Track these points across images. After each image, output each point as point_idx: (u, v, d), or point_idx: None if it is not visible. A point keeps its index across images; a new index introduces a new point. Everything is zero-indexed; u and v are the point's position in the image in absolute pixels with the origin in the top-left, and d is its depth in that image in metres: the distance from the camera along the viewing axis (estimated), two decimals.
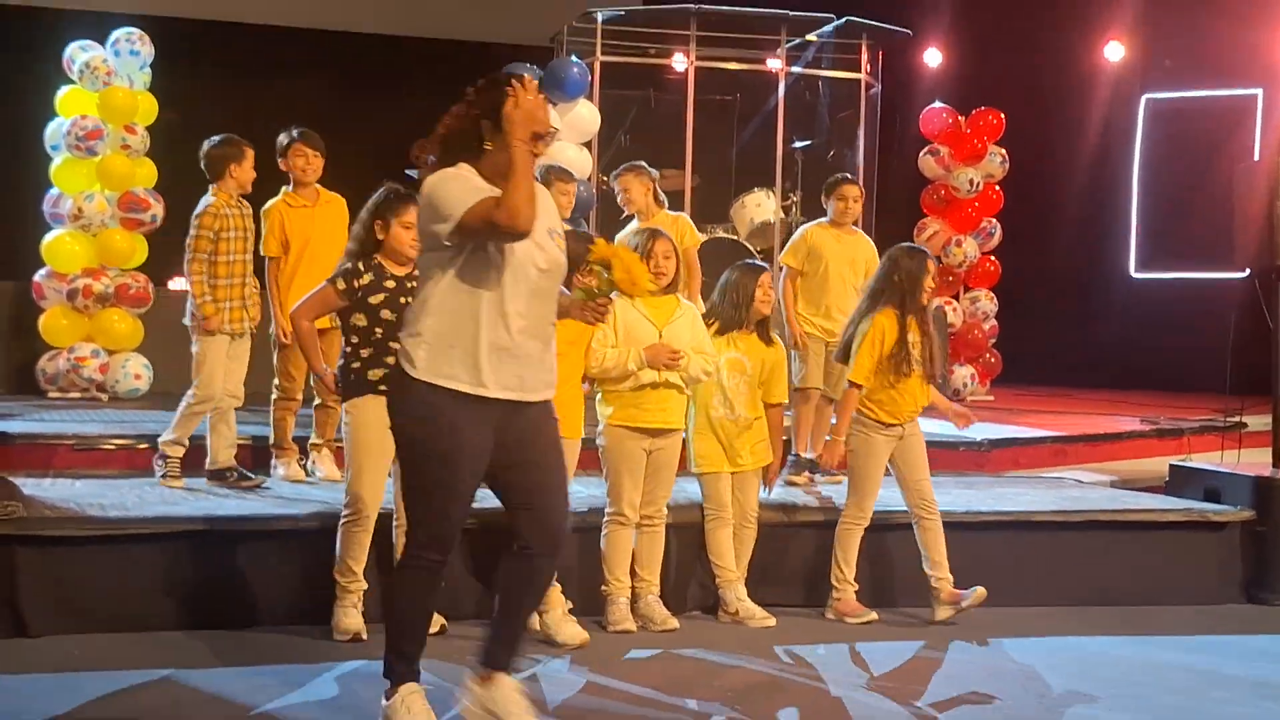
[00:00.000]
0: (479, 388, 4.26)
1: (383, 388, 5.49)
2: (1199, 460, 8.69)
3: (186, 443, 7.02)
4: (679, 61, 12.00)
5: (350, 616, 5.70)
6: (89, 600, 5.72)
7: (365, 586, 5.75)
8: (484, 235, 4.20)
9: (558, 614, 5.84)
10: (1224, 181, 11.41)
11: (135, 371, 9.91)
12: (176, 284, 11.58)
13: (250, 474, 7.06)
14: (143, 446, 7.47)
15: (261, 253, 7.29)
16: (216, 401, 6.97)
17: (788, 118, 11.71)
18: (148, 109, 10.12)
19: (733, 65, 12.05)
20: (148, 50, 10.11)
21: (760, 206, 11.42)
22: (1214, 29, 12.88)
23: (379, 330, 5.70)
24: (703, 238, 8.72)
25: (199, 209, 7.00)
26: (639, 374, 6.08)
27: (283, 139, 7.35)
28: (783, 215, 11.53)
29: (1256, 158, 12.24)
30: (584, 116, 10.41)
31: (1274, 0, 12.11)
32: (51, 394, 9.86)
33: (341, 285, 5.72)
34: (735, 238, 11.26)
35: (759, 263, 6.80)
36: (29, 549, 5.66)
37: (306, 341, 5.97)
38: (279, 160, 7.35)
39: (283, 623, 5.86)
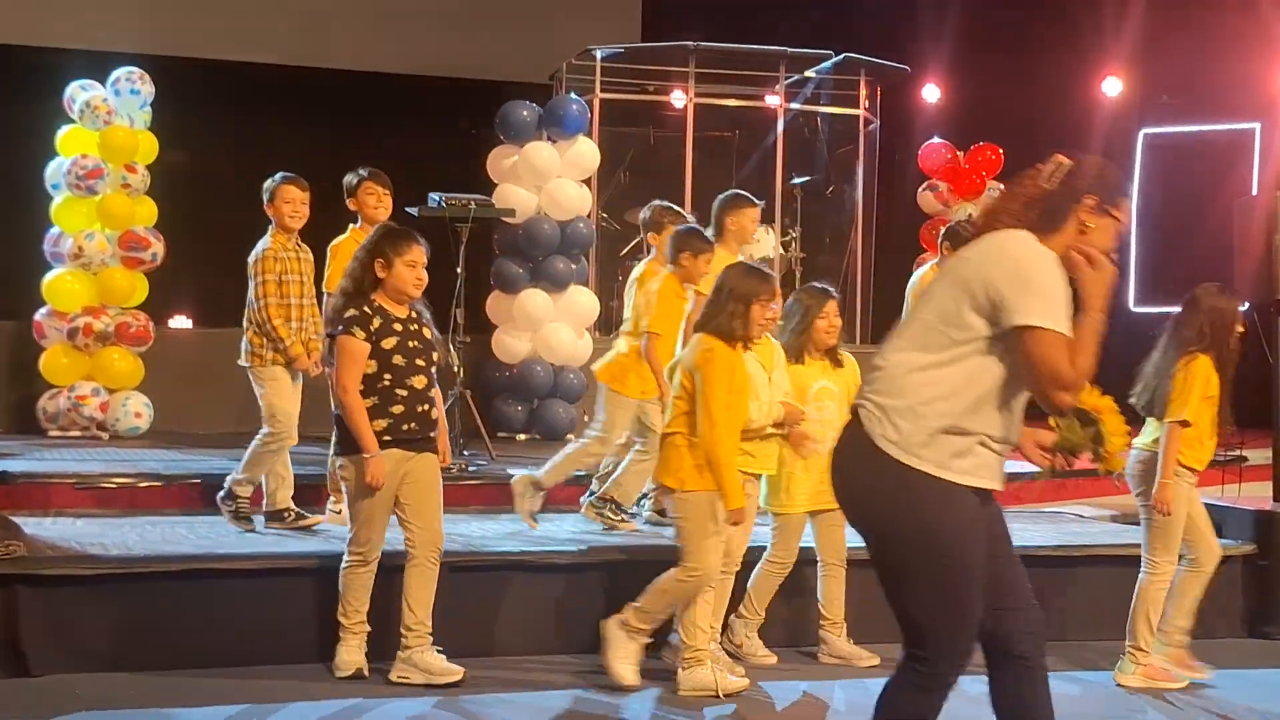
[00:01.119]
0: (994, 481, 3.74)
1: (387, 438, 5.51)
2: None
3: (257, 481, 6.98)
4: (678, 98, 12.08)
5: (353, 652, 5.69)
6: (91, 640, 5.72)
7: (369, 629, 5.74)
8: (1025, 362, 3.60)
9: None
10: (1222, 215, 11.47)
11: (136, 410, 9.93)
12: (177, 322, 11.62)
13: (307, 513, 7.02)
14: (144, 485, 7.49)
15: (326, 289, 7.11)
16: (291, 439, 6.93)
17: (787, 154, 11.78)
18: (148, 148, 10.17)
19: (732, 102, 12.13)
20: (148, 89, 10.17)
21: (759, 242, 11.45)
22: (1211, 64, 12.95)
23: (388, 377, 5.52)
24: None
25: (257, 253, 6.94)
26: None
27: (351, 179, 7.26)
28: (782, 251, 11.58)
29: (1254, 192, 12.29)
30: (584, 154, 10.47)
31: (1271, 35, 12.17)
32: (52, 433, 9.87)
33: (361, 334, 5.48)
34: None
35: (825, 287, 6.49)
36: (30, 588, 5.66)
37: (359, 419, 5.49)
38: (347, 199, 7.26)
39: (287, 661, 5.87)
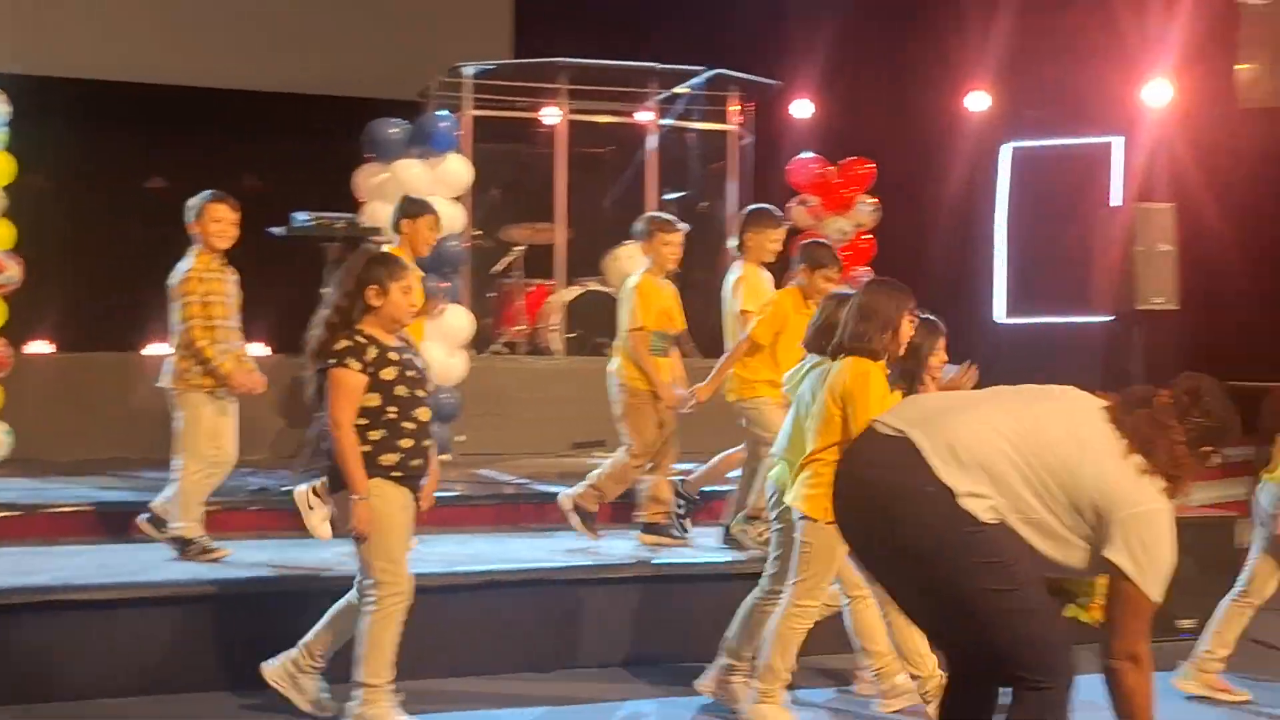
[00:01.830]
0: None
1: (396, 474, 5.28)
2: None
3: (201, 516, 6.79)
4: (551, 115, 12.08)
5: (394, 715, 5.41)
6: None
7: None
8: (1118, 609, 3.91)
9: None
10: (1086, 227, 11.74)
11: None
12: (37, 346, 11.38)
13: (215, 545, 6.81)
14: (2, 515, 7.32)
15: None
16: (225, 466, 6.81)
17: (660, 170, 11.82)
18: (6, 169, 9.95)
19: (604, 118, 12.15)
20: (5, 109, 9.95)
21: (634, 259, 11.48)
22: (1073, 79, 13.23)
23: (393, 410, 5.28)
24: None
25: (181, 273, 6.76)
26: None
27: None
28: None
29: (1115, 204, 12.56)
30: (455, 171, 10.42)
31: (1130, 50, 12.46)
32: None
33: (356, 365, 5.23)
34: (610, 291, 11.32)
35: (935, 321, 6.21)
36: None
37: (353, 459, 5.23)
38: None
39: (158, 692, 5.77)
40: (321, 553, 6.81)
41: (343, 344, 5.27)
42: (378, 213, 10.10)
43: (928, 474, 3.87)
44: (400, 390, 5.30)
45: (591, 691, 6.28)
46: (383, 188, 10.12)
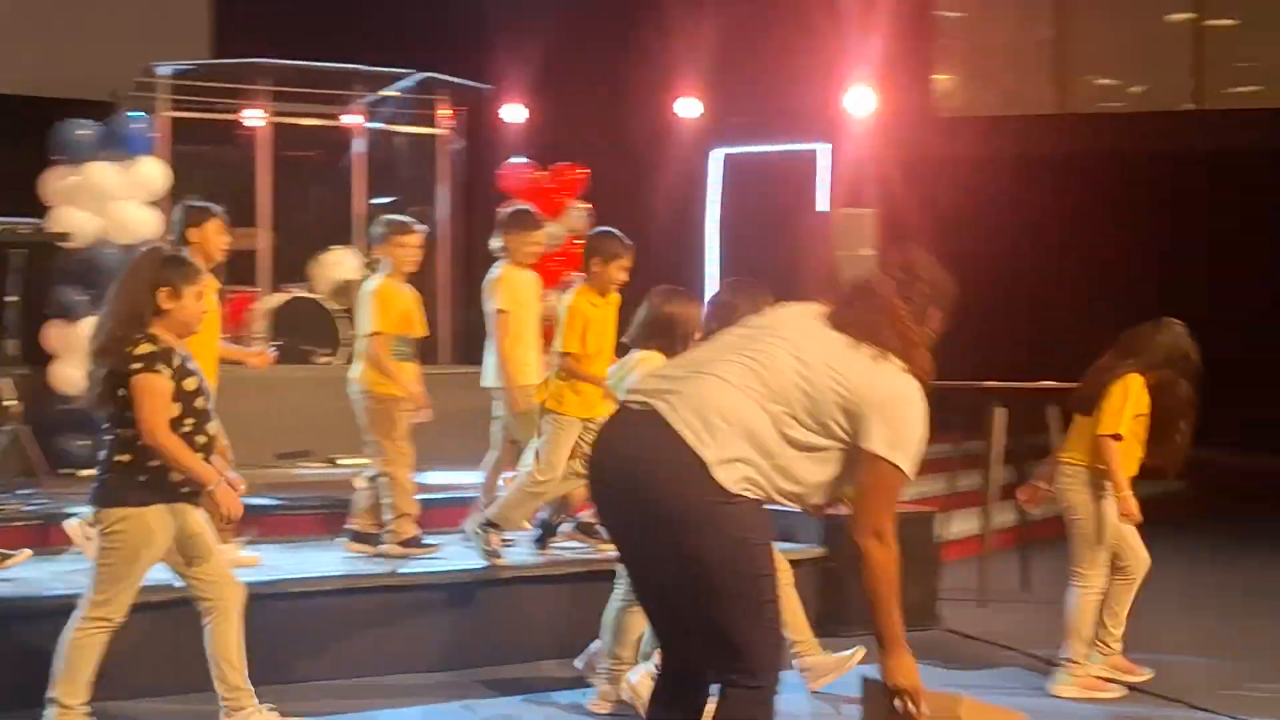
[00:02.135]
0: None
1: (186, 489, 5.17)
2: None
3: None
4: (253, 117, 11.78)
5: None
6: None
7: None
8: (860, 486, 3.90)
9: None
10: (794, 232, 12.03)
11: None
12: None
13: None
14: None
15: None
16: None
17: (368, 174, 11.64)
18: None
19: (309, 121, 11.91)
20: None
21: (341, 265, 11.31)
22: (780, 87, 13.56)
23: (190, 423, 5.17)
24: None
25: None
26: None
27: None
28: (365, 273, 11.42)
29: (822, 209, 12.91)
30: (150, 174, 10.04)
31: (834, 59, 12.81)
32: None
33: (166, 370, 5.08)
34: (316, 297, 11.10)
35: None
36: None
37: (183, 455, 5.11)
38: None
39: None
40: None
41: (147, 348, 5.10)
42: (67, 217, 9.68)
43: (679, 446, 3.78)
44: (200, 403, 5.21)
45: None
46: (72, 191, 9.69)
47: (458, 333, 12.05)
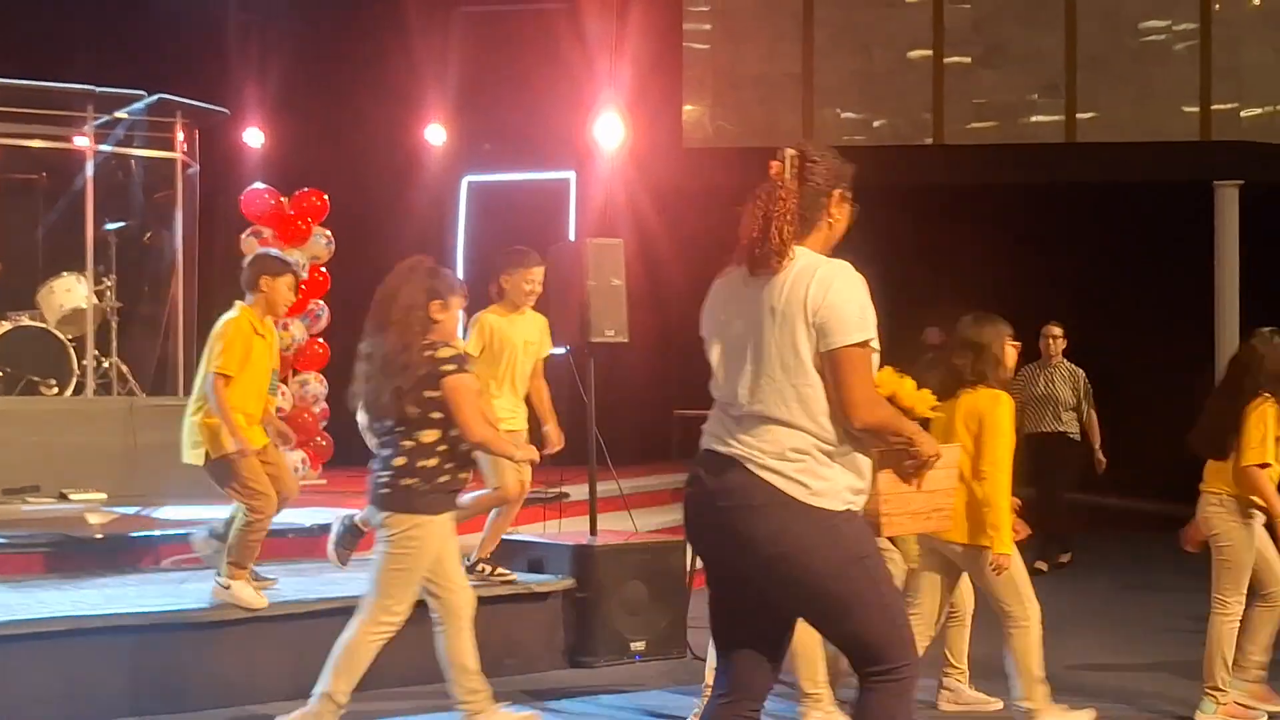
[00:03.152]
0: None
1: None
2: (524, 532, 9.10)
3: None
4: None
5: None
6: None
7: None
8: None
9: None
10: (544, 262, 12.12)
11: None
12: None
13: None
14: None
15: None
16: None
17: (99, 198, 11.38)
18: None
19: (37, 143, 11.60)
20: None
21: (70, 292, 11.03)
22: (528, 115, 13.71)
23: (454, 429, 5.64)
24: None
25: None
26: None
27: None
28: (97, 301, 11.17)
29: (570, 238, 13.08)
30: None
31: (581, 89, 13.03)
32: None
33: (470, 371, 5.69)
34: (44, 325, 10.81)
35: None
36: None
37: (497, 440, 5.81)
38: None
39: None
40: None
41: (448, 352, 5.60)
42: None
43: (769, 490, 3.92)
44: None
45: None
46: None
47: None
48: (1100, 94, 15.31)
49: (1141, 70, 15.36)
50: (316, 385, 12.25)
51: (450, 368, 5.54)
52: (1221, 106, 15.27)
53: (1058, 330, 11.73)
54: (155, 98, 11.40)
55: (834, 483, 3.93)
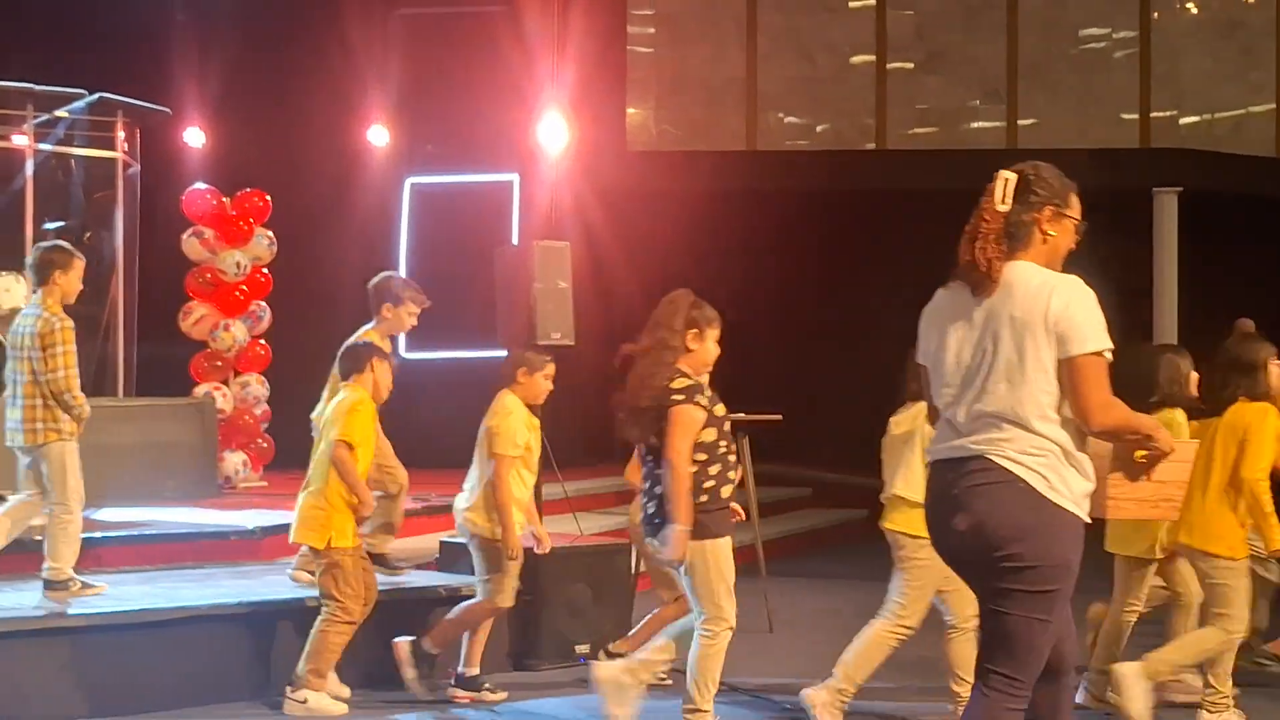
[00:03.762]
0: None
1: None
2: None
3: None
4: None
5: None
6: None
7: None
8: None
9: None
10: (487, 263, 12.19)
11: None
12: None
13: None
14: None
15: None
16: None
17: (39, 198, 11.33)
18: None
19: None
20: None
21: (9, 292, 10.95)
22: (471, 117, 13.75)
23: (723, 444, 5.94)
24: None
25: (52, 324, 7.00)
26: None
27: None
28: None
29: (515, 241, 13.14)
30: None
31: (525, 91, 13.07)
32: None
33: (704, 402, 5.85)
34: None
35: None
36: None
37: (685, 491, 5.85)
38: None
39: None
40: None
41: (683, 382, 5.88)
42: None
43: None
44: (726, 427, 6.06)
45: None
46: None
47: (133, 364, 11.83)
48: (1041, 101, 15.53)
49: (1082, 78, 15.57)
50: (258, 387, 12.25)
51: (678, 398, 5.84)
52: (1160, 114, 15.51)
53: None
54: (96, 96, 11.36)
55: (1070, 484, 4.19)
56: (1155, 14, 15.55)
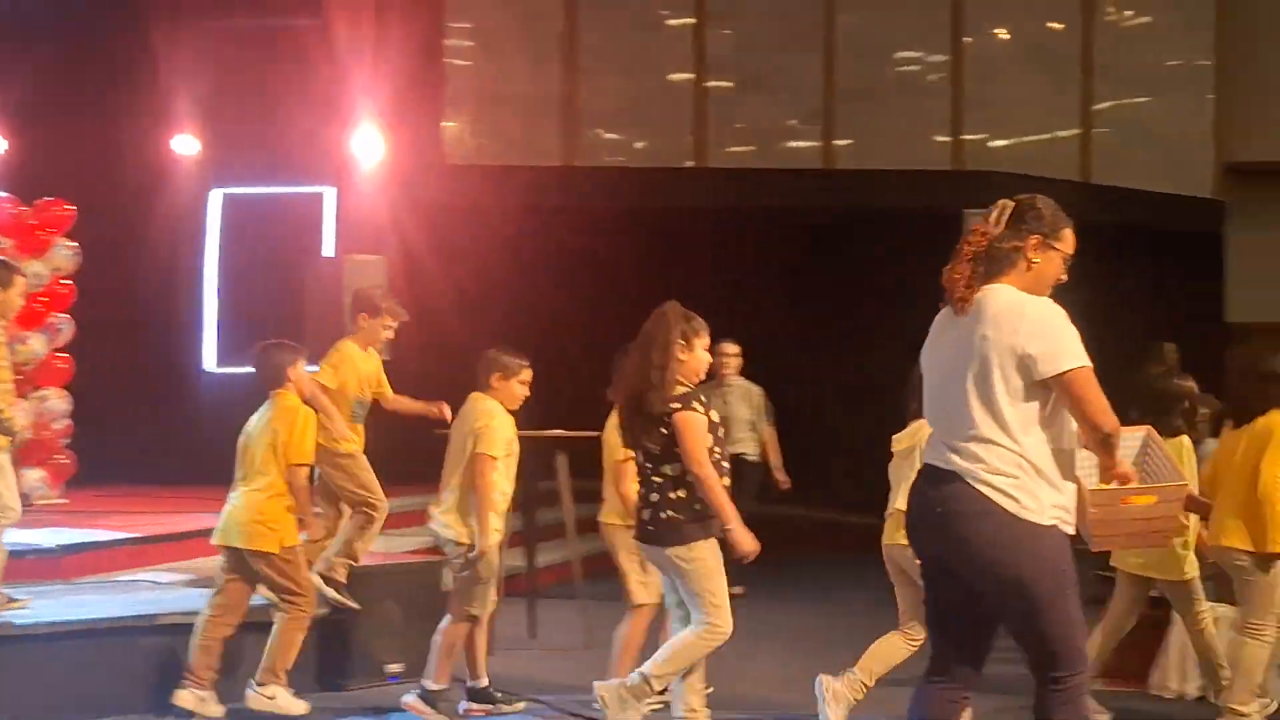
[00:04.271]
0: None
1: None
2: None
3: None
4: None
5: None
6: None
7: None
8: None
9: None
10: (299, 277, 12.07)
11: None
12: None
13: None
14: None
15: None
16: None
17: None
18: None
19: None
20: None
21: None
22: (285, 129, 13.58)
23: (717, 450, 6.23)
24: None
25: None
26: None
27: None
28: None
29: (329, 255, 13.01)
30: None
31: (339, 102, 12.96)
32: None
33: (700, 408, 6.16)
34: None
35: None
36: None
37: (717, 489, 6.15)
38: None
39: None
40: None
41: (681, 390, 6.18)
42: None
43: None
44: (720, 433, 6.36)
45: None
46: None
47: None
48: (857, 122, 15.79)
49: (896, 99, 15.88)
50: (58, 402, 11.93)
51: (677, 405, 6.13)
52: (972, 136, 15.89)
53: (732, 348, 11.77)
54: None
55: (1041, 498, 4.46)
56: (967, 39, 15.92)
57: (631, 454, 6.53)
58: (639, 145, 15.83)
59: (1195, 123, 16.57)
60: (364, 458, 7.99)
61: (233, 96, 13.65)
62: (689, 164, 15.69)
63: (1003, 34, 16.32)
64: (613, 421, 7.02)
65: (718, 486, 6.09)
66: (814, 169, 15.65)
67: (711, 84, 15.73)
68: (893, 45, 15.96)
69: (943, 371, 4.66)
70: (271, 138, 13.64)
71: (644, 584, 7.12)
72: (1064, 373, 4.44)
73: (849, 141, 15.77)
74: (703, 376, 6.36)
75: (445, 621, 7.19)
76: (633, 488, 6.58)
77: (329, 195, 13.79)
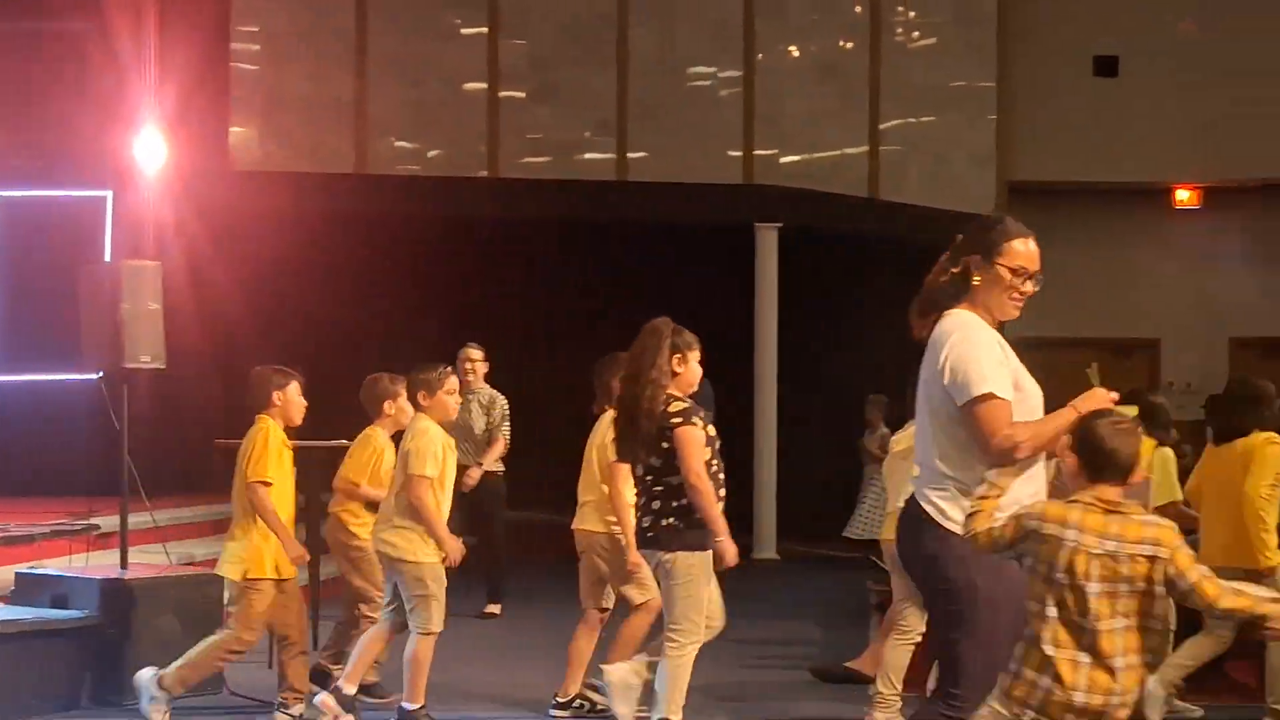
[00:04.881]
0: None
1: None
2: (49, 566, 8.80)
3: None
4: None
5: None
6: None
7: None
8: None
9: None
10: (76, 283, 11.76)
11: None
12: None
13: None
14: None
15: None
16: None
17: None
18: None
19: None
20: None
21: None
22: (62, 133, 13.26)
23: (715, 463, 6.43)
24: None
25: None
26: None
27: None
28: None
29: (107, 259, 12.71)
30: None
31: (118, 105, 12.68)
32: None
33: (700, 422, 6.36)
34: None
35: None
36: None
37: (711, 502, 6.38)
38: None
39: None
40: None
41: (684, 404, 6.38)
42: None
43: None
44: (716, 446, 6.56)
45: None
46: None
47: None
48: (650, 135, 15.95)
49: (689, 114, 16.07)
50: None
51: (678, 420, 6.30)
52: (763, 152, 16.15)
53: (476, 354, 11.02)
54: None
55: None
56: (759, 55, 16.19)
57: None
58: (432, 154, 15.78)
59: (978, 142, 17.09)
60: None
61: (7, 96, 13.28)
62: (483, 174, 15.68)
63: (794, 51, 16.64)
64: (600, 429, 7.26)
65: (711, 498, 6.31)
66: (608, 180, 15.76)
67: (504, 94, 15.76)
68: (686, 60, 16.16)
69: (920, 394, 4.77)
70: (49, 141, 13.31)
71: (642, 585, 7.16)
72: (963, 405, 4.50)
73: (642, 154, 15.92)
74: (695, 389, 6.52)
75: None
76: (630, 492, 6.77)
77: (109, 200, 13.48)
